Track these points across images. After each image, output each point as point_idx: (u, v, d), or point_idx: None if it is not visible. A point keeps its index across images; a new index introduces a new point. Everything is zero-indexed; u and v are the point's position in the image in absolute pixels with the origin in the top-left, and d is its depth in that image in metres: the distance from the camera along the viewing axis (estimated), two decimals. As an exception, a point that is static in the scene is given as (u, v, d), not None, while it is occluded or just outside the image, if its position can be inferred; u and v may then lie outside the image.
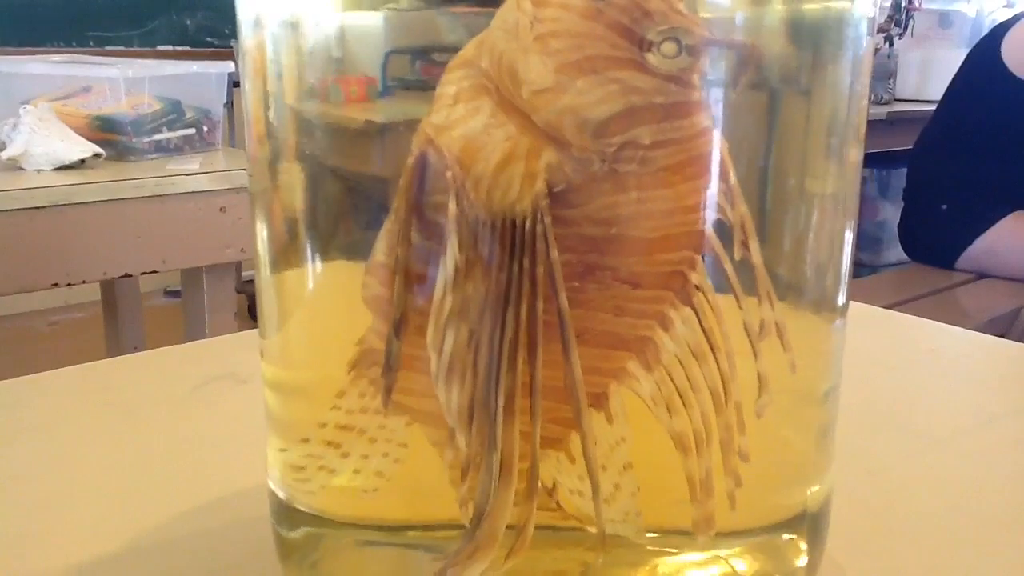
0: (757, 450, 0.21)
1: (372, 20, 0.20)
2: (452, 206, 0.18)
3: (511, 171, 0.18)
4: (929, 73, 2.72)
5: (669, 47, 0.17)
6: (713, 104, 0.19)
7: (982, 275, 1.73)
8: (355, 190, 0.21)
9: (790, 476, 0.24)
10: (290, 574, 0.25)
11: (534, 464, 0.19)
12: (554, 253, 0.18)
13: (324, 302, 0.23)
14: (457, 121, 0.18)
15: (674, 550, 0.22)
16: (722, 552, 0.22)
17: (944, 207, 1.74)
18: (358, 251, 0.21)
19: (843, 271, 0.24)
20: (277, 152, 0.23)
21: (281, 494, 0.25)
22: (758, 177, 0.21)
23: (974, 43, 1.95)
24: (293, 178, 0.22)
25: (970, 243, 1.73)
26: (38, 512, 0.31)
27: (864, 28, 0.22)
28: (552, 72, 0.17)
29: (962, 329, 0.53)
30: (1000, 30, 1.77)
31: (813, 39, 0.21)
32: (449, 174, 0.18)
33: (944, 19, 2.96)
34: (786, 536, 0.24)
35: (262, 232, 0.24)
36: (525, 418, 0.19)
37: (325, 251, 0.22)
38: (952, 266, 1.75)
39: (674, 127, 0.18)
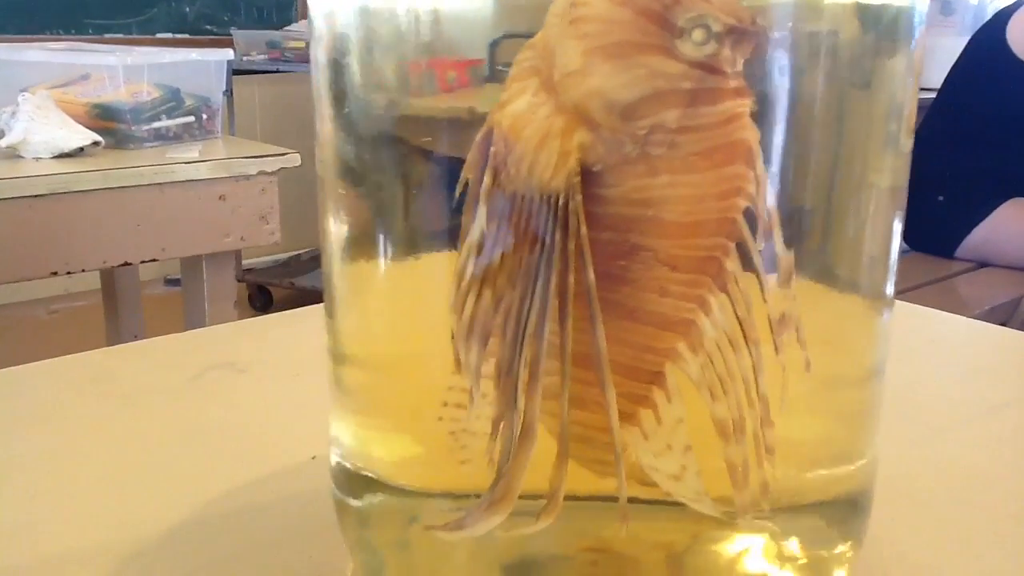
0: (811, 430, 0.22)
1: (477, 3, 0.21)
2: (487, 179, 0.19)
3: (548, 149, 0.19)
4: (930, 60, 2.71)
5: (698, 34, 0.18)
6: (778, 93, 0.20)
7: (982, 264, 1.72)
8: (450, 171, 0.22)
9: (839, 456, 0.24)
10: (350, 538, 0.26)
11: (563, 430, 0.19)
12: (583, 230, 0.19)
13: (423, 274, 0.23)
14: (510, 99, 0.19)
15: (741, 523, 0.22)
16: (777, 528, 0.23)
17: (941, 199, 1.74)
18: (445, 232, 0.21)
19: (892, 262, 0.24)
20: (360, 138, 0.23)
21: (349, 464, 0.25)
22: (823, 167, 0.21)
23: (976, 30, 1.94)
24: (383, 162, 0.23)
25: (968, 232, 1.73)
26: (37, 500, 0.31)
27: (920, 17, 0.22)
28: (580, 55, 0.18)
29: (963, 318, 0.53)
30: (1005, 14, 1.76)
31: (878, 28, 0.21)
32: (493, 149, 0.19)
33: (946, 6, 2.95)
34: (833, 511, 0.24)
35: (338, 216, 0.24)
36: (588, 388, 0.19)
37: (411, 233, 0.23)
38: (951, 255, 1.75)
39: (701, 113, 0.18)
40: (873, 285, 0.24)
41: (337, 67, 0.23)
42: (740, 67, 0.18)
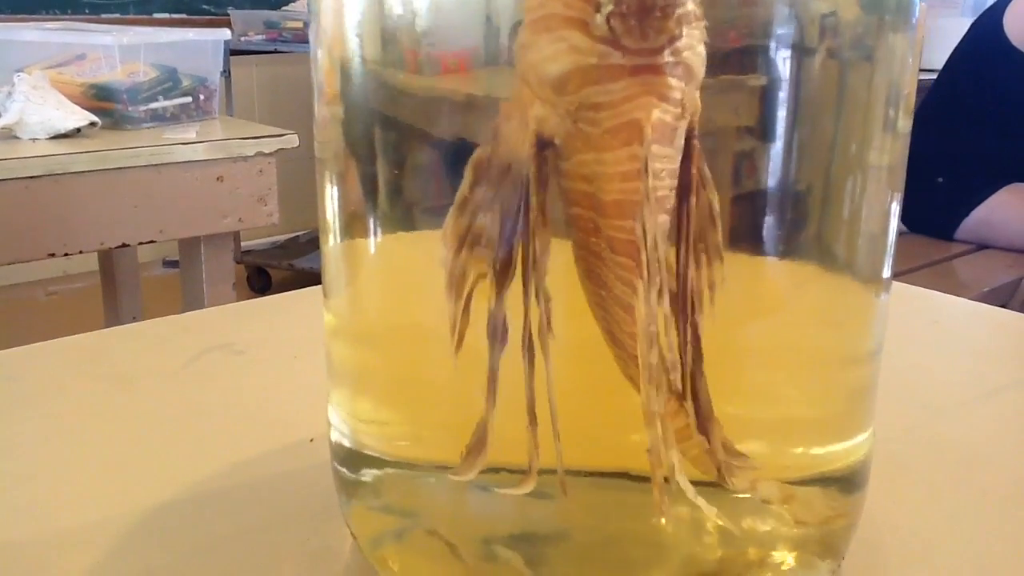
0: (812, 409, 0.23)
1: None
2: (480, 148, 0.19)
3: (518, 120, 0.19)
4: (931, 42, 2.70)
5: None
6: (779, 72, 0.19)
7: (982, 245, 1.72)
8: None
9: (838, 433, 0.25)
10: (355, 513, 0.26)
11: (530, 400, 0.20)
12: (533, 201, 0.19)
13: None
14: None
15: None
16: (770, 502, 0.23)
17: (940, 180, 1.74)
18: (441, 210, 0.21)
19: (890, 244, 0.24)
20: (361, 118, 0.23)
21: (347, 441, 0.26)
22: (822, 145, 0.21)
23: (976, 12, 1.93)
24: (379, 143, 0.23)
25: (967, 215, 1.73)
26: (35, 481, 0.31)
27: None
28: (525, 29, 0.18)
29: (964, 299, 0.53)
30: (1003, 1, 1.75)
31: (879, 5, 0.21)
32: (496, 120, 0.19)
33: (947, -13, 2.93)
34: (831, 486, 0.25)
35: (336, 195, 0.24)
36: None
37: (407, 210, 0.23)
38: (951, 237, 1.75)
39: (607, 90, 0.18)
40: (872, 266, 0.24)
41: (339, 48, 0.23)
42: (658, 44, 0.18)
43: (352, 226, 0.24)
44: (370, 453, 0.25)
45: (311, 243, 2.82)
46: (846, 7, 0.21)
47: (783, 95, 0.20)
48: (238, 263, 2.35)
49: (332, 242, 0.25)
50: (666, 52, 0.18)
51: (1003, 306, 0.55)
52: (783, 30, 0.20)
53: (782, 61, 0.20)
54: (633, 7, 0.17)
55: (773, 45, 0.20)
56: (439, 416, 0.24)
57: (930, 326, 0.49)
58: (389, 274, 0.24)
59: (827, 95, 0.21)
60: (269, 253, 2.76)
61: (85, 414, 0.36)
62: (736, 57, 0.20)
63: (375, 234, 0.23)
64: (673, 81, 0.18)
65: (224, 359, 0.42)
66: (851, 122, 0.22)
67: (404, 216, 0.23)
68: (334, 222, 0.25)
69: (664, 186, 0.19)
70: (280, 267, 2.68)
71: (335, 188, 0.24)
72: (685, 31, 0.18)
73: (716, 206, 0.20)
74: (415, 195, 0.23)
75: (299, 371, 0.41)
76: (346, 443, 0.26)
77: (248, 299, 0.54)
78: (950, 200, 1.74)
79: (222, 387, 0.39)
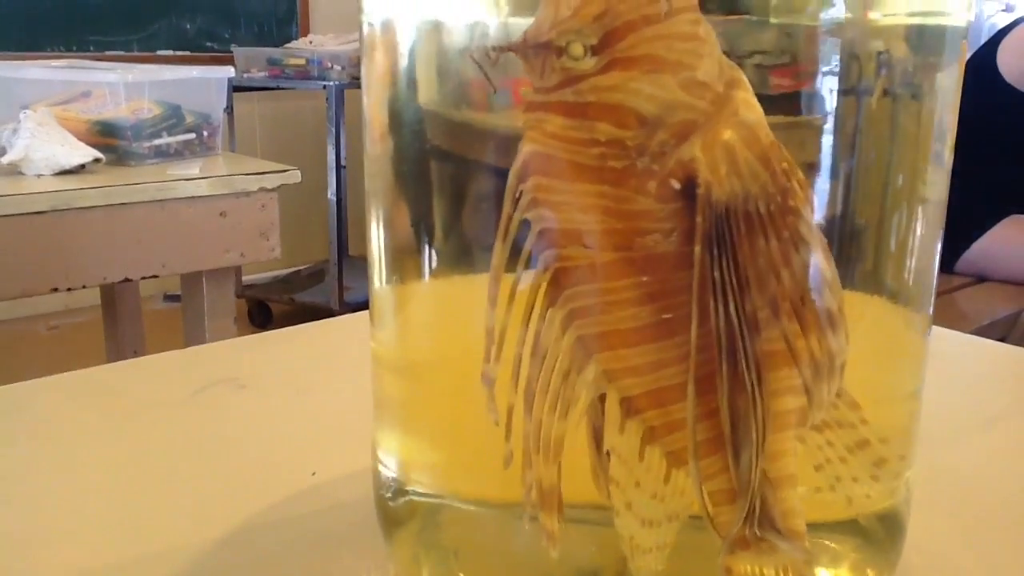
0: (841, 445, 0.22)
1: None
2: None
3: None
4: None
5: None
6: (829, 109, 0.20)
7: (982, 278, 1.73)
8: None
9: (882, 475, 0.24)
10: (400, 546, 0.26)
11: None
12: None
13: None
14: None
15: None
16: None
17: None
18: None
19: (933, 280, 0.24)
20: (419, 152, 0.23)
21: (397, 475, 0.25)
22: (873, 179, 0.21)
23: (971, 46, 1.95)
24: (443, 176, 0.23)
25: (966, 248, 1.73)
26: (37, 516, 0.31)
27: (962, 33, 0.22)
28: None
29: (962, 333, 0.53)
30: (997, 37, 1.77)
31: (927, 44, 0.22)
32: None
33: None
34: (858, 527, 0.24)
35: (387, 229, 0.24)
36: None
37: (461, 246, 0.23)
38: (951, 270, 1.76)
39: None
40: (922, 302, 0.24)
41: (395, 81, 0.23)
42: (551, 84, 0.18)
43: (401, 259, 0.24)
44: (420, 489, 0.25)
45: (312, 277, 2.82)
46: (896, 45, 0.21)
47: (839, 132, 0.20)
48: (239, 297, 2.36)
49: (380, 285, 0.25)
50: (568, 91, 0.17)
51: (1003, 339, 0.56)
52: (840, 69, 0.20)
53: (838, 98, 0.20)
54: (518, 47, 0.18)
55: (829, 83, 0.20)
56: (493, 452, 0.23)
57: (928, 359, 0.49)
58: (451, 311, 0.24)
59: (881, 131, 0.21)
60: (270, 287, 2.76)
61: (88, 449, 0.37)
62: (794, 96, 0.20)
63: (423, 268, 0.23)
64: (569, 120, 0.18)
65: (227, 393, 0.42)
66: (900, 158, 0.22)
67: (453, 251, 0.23)
68: (383, 255, 0.24)
69: (576, 220, 0.18)
70: (281, 301, 2.68)
71: (383, 220, 0.24)
72: (628, 73, 0.17)
73: (821, 267, 0.18)
74: (465, 230, 0.22)
75: (302, 405, 0.41)
76: (393, 477, 0.25)
77: (249, 334, 0.54)
78: (951, 233, 1.74)
79: (225, 421, 0.39)
